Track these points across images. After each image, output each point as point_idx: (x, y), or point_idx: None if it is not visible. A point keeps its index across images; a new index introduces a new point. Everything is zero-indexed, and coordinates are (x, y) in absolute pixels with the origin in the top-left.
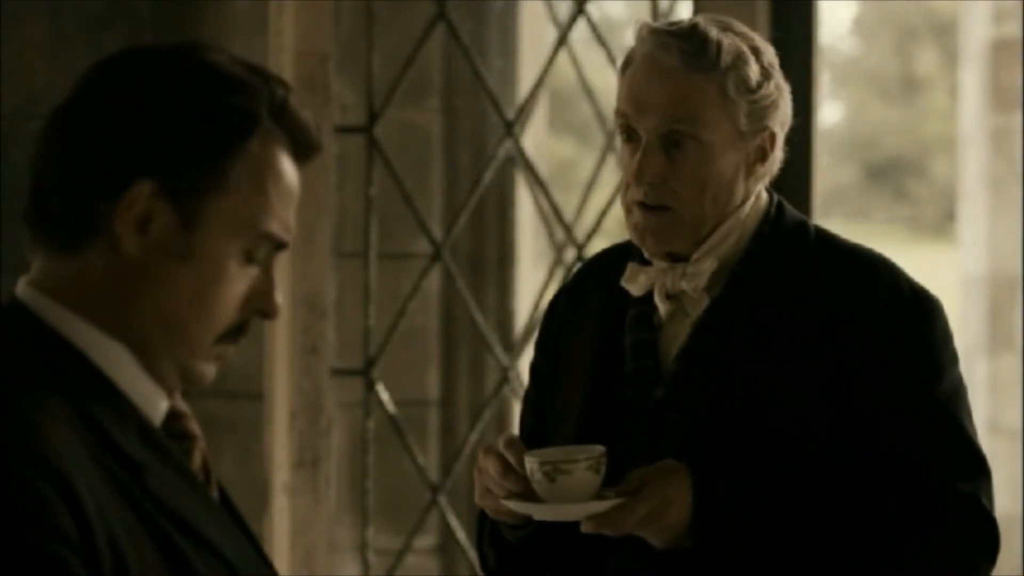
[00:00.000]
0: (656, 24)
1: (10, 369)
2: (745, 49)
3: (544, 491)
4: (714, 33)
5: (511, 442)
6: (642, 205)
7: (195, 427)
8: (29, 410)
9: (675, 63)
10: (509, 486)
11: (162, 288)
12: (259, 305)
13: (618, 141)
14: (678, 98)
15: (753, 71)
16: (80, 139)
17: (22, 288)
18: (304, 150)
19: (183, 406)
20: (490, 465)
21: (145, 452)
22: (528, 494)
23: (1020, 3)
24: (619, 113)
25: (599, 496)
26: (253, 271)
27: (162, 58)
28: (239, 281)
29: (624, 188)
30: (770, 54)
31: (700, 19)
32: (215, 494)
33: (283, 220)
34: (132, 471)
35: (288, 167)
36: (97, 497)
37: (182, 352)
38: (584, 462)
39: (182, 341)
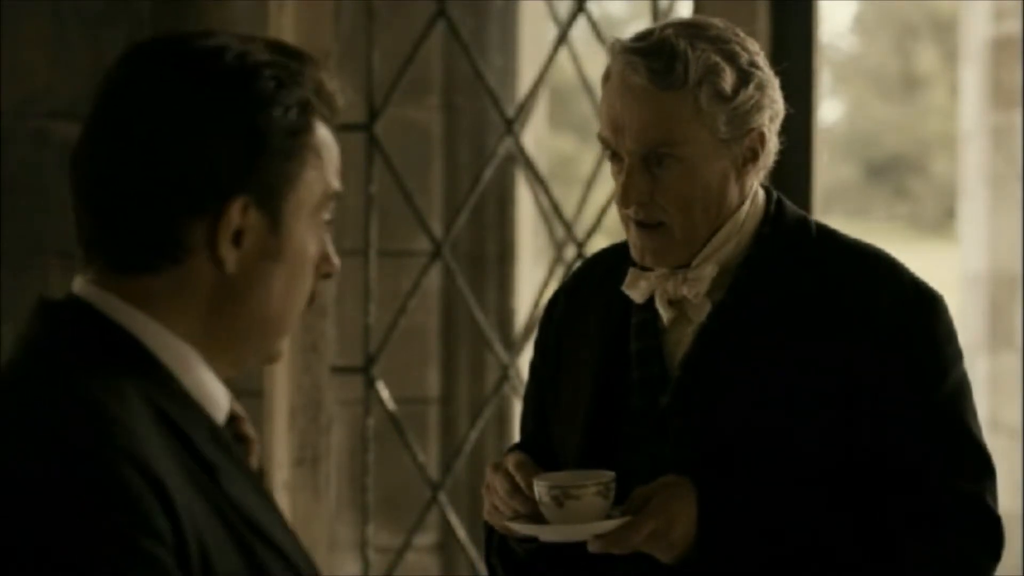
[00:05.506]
0: (626, 40)
1: (87, 367)
2: (716, 59)
3: (552, 515)
4: (682, 46)
5: (520, 464)
6: (637, 223)
7: (251, 430)
8: (118, 411)
9: (644, 83)
10: (516, 506)
11: (258, 291)
12: (324, 269)
13: None
14: (651, 120)
15: (727, 80)
16: (158, 163)
17: (83, 286)
18: (334, 114)
19: (240, 410)
20: (498, 484)
21: (217, 453)
22: (535, 515)
23: (1020, 1)
24: (600, 135)
25: (604, 516)
26: (320, 234)
27: (208, 64)
28: (315, 253)
29: (618, 204)
30: (749, 53)
31: (671, 29)
32: None
33: (336, 176)
34: (208, 472)
35: (328, 133)
36: (185, 498)
37: (275, 341)
38: (593, 487)
39: (278, 331)
